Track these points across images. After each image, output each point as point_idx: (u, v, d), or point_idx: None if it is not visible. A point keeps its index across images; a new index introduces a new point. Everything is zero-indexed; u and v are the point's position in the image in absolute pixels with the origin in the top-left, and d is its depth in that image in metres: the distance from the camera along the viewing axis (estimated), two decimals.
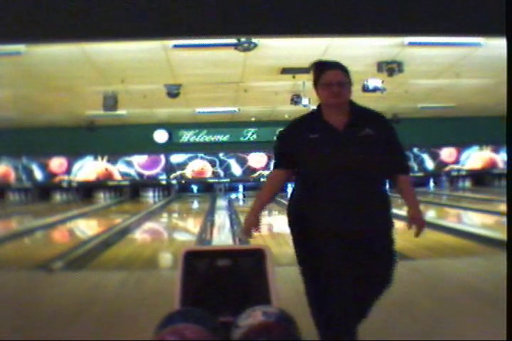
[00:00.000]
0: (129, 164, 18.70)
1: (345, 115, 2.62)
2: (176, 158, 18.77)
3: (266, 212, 14.61)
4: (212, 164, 18.85)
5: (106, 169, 18.66)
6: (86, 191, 18.52)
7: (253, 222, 2.64)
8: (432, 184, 19.41)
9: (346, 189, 2.53)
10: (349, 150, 2.54)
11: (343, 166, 2.53)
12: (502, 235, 6.32)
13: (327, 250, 2.51)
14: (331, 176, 2.54)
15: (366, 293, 2.57)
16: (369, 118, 2.65)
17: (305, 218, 2.60)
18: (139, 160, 18.74)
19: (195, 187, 19.40)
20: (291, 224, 2.69)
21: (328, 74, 2.58)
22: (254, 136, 18.63)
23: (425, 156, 18.90)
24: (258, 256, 2.56)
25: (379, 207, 2.61)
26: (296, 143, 2.63)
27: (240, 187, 19.27)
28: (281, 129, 2.81)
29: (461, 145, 18.97)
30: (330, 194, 2.54)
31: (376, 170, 2.58)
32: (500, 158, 18.82)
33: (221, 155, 18.79)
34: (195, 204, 17.37)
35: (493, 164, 19.04)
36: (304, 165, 2.62)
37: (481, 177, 19.06)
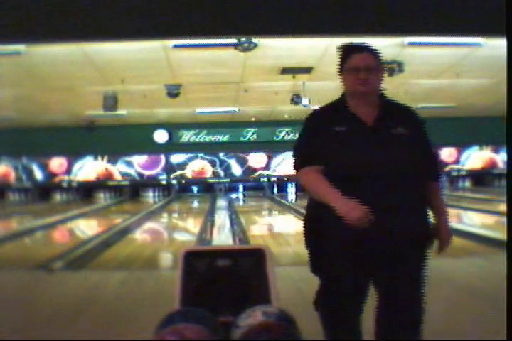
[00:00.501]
0: (129, 164, 18.70)
1: (374, 107, 2.29)
2: (176, 158, 18.78)
3: (266, 212, 14.61)
4: (213, 164, 18.85)
5: (106, 169, 18.67)
6: (86, 191, 18.53)
7: (357, 202, 2.12)
8: None
9: (377, 196, 2.18)
10: (380, 149, 2.22)
11: (373, 168, 2.19)
12: (502, 235, 6.32)
13: (350, 266, 2.26)
14: (358, 179, 2.19)
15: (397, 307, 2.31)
16: (401, 114, 2.34)
17: (325, 229, 2.26)
18: (139, 160, 18.75)
19: (195, 187, 19.41)
20: (307, 235, 2.38)
21: (355, 58, 2.25)
22: (254, 136, 18.63)
23: None
24: (258, 256, 2.55)
25: (415, 216, 2.28)
26: (322, 135, 2.27)
27: (240, 187, 19.28)
28: (305, 121, 2.37)
29: (461, 145, 18.97)
30: (355, 196, 2.15)
31: (412, 175, 2.25)
32: (500, 158, 18.82)
33: (221, 155, 18.80)
34: (195, 204, 17.38)
35: (493, 164, 19.04)
36: (330, 160, 2.25)
37: (481, 177, 19.06)
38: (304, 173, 2.30)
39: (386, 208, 2.18)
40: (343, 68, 2.29)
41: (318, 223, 2.28)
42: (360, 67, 2.22)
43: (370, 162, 2.20)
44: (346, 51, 2.31)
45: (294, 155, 2.36)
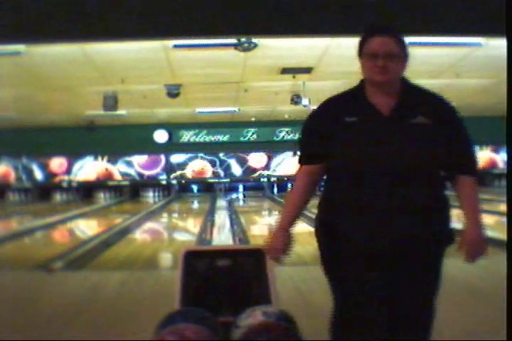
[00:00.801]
0: (129, 164, 18.70)
1: (395, 96, 2.04)
2: (176, 158, 18.78)
3: (266, 212, 14.61)
4: (213, 164, 18.86)
5: (106, 169, 18.67)
6: (86, 191, 18.53)
7: (280, 240, 2.07)
8: None
9: (390, 194, 1.97)
10: (396, 142, 1.97)
11: (387, 162, 1.96)
12: (502, 235, 6.31)
13: (361, 274, 2.02)
14: (370, 175, 1.98)
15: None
16: (425, 102, 2.08)
17: (335, 231, 2.06)
18: (139, 160, 18.75)
19: (195, 187, 19.41)
20: (318, 238, 2.15)
21: (374, 42, 1.99)
22: (254, 136, 18.64)
23: None
24: (258, 256, 2.55)
25: (433, 218, 2.02)
26: (328, 128, 2.04)
27: (240, 187, 19.28)
28: (313, 110, 2.17)
29: None
30: (368, 200, 1.99)
31: (431, 171, 2.02)
32: (500, 158, 18.81)
33: (221, 155, 18.80)
34: (195, 205, 17.38)
35: (493, 164, 19.03)
36: (335, 158, 2.04)
37: (481, 177, 18.87)
38: (298, 173, 2.15)
39: (399, 208, 1.97)
40: (362, 52, 2.02)
41: (329, 226, 2.08)
42: (378, 53, 1.97)
43: (383, 156, 1.97)
44: (366, 33, 2.04)
45: (299, 150, 2.17)
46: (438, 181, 2.06)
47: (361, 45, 2.03)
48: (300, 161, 2.15)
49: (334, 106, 2.10)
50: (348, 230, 2.04)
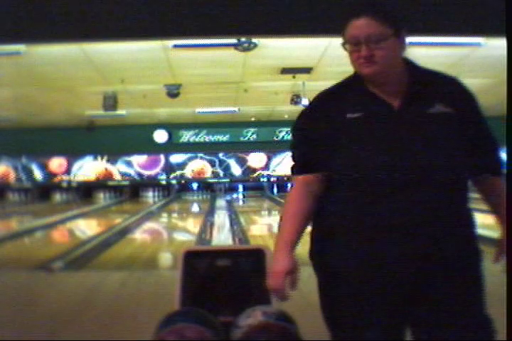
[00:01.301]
0: (129, 164, 18.70)
1: (401, 84, 1.65)
2: (176, 158, 18.78)
3: (266, 212, 14.61)
4: (212, 164, 18.85)
5: (106, 169, 18.67)
6: (86, 191, 18.53)
7: (284, 270, 1.68)
8: None
9: (407, 205, 1.57)
10: (414, 140, 1.58)
11: (402, 167, 1.57)
12: None
13: (370, 308, 1.67)
14: (381, 184, 1.58)
15: None
16: (441, 88, 1.67)
17: (336, 252, 1.69)
18: (138, 160, 18.75)
19: (195, 185, 19.41)
20: (313, 259, 1.80)
21: (352, 27, 1.63)
22: (254, 136, 18.64)
23: None
24: (258, 256, 2.55)
25: (460, 233, 1.67)
26: (326, 129, 1.66)
27: (240, 187, 19.28)
28: (305, 109, 1.79)
29: None
30: (379, 214, 1.59)
31: (456, 171, 1.62)
32: None
33: (221, 155, 18.80)
34: (195, 204, 17.37)
35: None
36: (337, 163, 1.64)
37: None
38: (294, 184, 1.74)
39: (420, 225, 1.58)
40: (345, 40, 1.66)
41: (328, 259, 1.72)
42: (359, 39, 1.60)
43: (398, 161, 1.58)
44: (346, 16, 1.68)
45: (292, 156, 1.77)
46: (465, 186, 1.67)
47: (343, 31, 1.67)
48: (293, 171, 1.75)
49: (330, 101, 1.71)
50: (351, 252, 1.66)
